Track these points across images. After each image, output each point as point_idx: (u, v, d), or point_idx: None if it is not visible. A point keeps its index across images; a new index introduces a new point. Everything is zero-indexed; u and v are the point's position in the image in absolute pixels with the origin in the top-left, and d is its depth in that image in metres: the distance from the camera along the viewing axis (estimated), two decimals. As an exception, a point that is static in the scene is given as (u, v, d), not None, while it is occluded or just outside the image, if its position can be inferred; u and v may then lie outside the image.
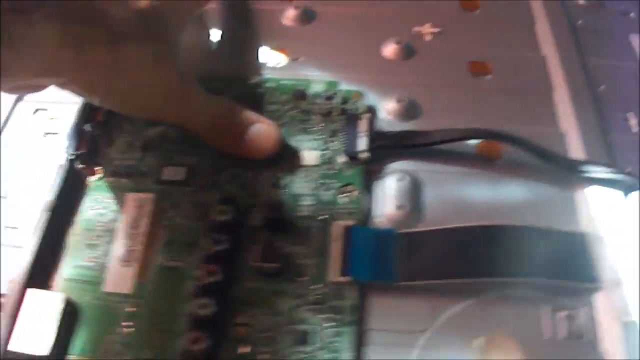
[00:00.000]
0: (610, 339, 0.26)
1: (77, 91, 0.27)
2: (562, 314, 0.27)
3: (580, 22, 0.38)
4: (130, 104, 0.28)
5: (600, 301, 0.27)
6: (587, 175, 0.30)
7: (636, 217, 0.29)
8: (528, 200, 0.30)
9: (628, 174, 0.30)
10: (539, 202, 0.30)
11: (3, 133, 0.33)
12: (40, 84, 0.26)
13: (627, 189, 0.30)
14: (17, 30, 0.22)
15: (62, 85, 0.26)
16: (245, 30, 0.37)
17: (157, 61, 0.27)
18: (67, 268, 0.27)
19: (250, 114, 0.30)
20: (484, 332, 0.26)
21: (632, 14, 0.39)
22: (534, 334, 0.26)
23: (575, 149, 0.32)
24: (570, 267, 0.27)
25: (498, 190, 0.30)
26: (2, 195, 0.30)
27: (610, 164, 0.31)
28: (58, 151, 0.31)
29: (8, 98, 0.34)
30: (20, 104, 0.34)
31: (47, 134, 0.33)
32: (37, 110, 0.34)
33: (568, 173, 0.30)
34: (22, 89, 0.29)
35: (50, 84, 0.26)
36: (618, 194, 0.30)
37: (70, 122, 0.31)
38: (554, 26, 0.37)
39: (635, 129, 0.33)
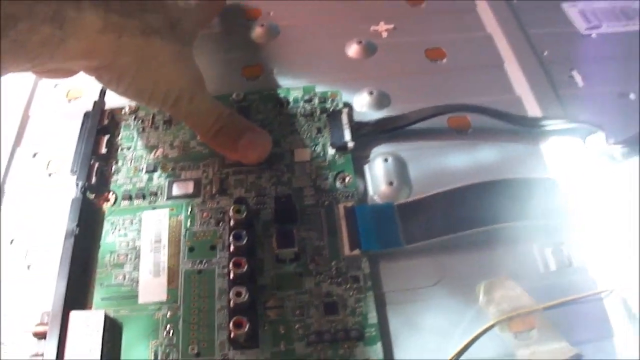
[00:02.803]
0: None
1: (107, 77, 0.29)
2: (549, 249, 0.30)
3: (515, 1, 0.42)
4: (149, 94, 0.30)
5: (576, 232, 0.30)
6: (546, 129, 0.34)
7: (595, 159, 0.33)
8: (500, 159, 0.34)
9: (582, 122, 0.34)
10: (510, 159, 0.34)
11: (7, 180, 0.35)
12: (72, 69, 0.29)
13: (584, 135, 0.34)
14: (68, 14, 0.25)
15: (95, 71, 0.29)
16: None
17: (176, 59, 0.30)
18: (101, 289, 0.30)
19: (246, 122, 0.33)
20: (485, 277, 0.29)
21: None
22: (529, 271, 0.30)
23: (532, 108, 0.36)
24: (545, 208, 0.31)
25: (472, 155, 0.34)
26: (20, 236, 0.32)
27: (564, 116, 0.35)
28: (65, 187, 0.33)
29: (6, 143, 0.36)
30: (18, 149, 0.36)
31: (51, 174, 0.35)
32: (35, 154, 0.36)
33: (530, 130, 0.34)
34: (54, 73, 0.31)
35: (82, 69, 0.29)
36: (576, 140, 0.34)
37: (72, 160, 0.34)
38: (494, 6, 0.41)
39: (581, 84, 0.37)
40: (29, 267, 0.31)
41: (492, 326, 0.28)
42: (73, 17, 0.25)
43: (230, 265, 0.28)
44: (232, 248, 0.29)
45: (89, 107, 0.36)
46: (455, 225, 0.30)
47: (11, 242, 0.32)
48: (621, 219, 0.30)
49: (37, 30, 0.24)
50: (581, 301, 0.28)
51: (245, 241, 0.29)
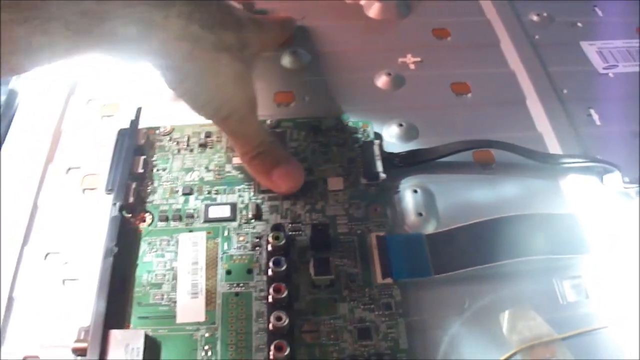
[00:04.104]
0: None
1: (170, 77, 0.31)
2: (567, 282, 0.32)
3: (537, 37, 0.44)
4: (203, 103, 0.32)
5: (593, 266, 0.32)
6: (566, 166, 0.36)
7: (612, 197, 0.34)
8: (522, 193, 0.35)
9: (599, 161, 0.35)
10: (531, 194, 0.35)
11: (40, 195, 0.36)
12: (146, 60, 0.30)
13: (601, 173, 0.36)
14: (155, 18, 0.27)
15: (161, 68, 0.30)
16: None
17: (238, 79, 0.31)
18: (139, 307, 0.31)
19: (285, 153, 0.35)
20: (508, 307, 0.31)
21: (579, 24, 0.46)
22: (549, 302, 0.31)
23: (553, 145, 0.37)
24: (565, 243, 0.32)
25: (496, 189, 0.36)
26: (54, 251, 0.33)
27: (583, 154, 0.36)
28: (100, 204, 0.34)
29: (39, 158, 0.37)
30: (51, 165, 0.37)
31: (84, 190, 0.36)
32: (69, 169, 0.37)
33: (551, 167, 0.36)
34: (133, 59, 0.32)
35: (150, 63, 0.30)
36: (594, 178, 0.35)
37: (106, 177, 0.35)
38: (516, 43, 0.43)
39: (598, 122, 0.39)
40: (64, 282, 0.32)
41: (514, 353, 0.29)
42: (159, 22, 0.27)
43: (271, 290, 0.29)
44: (270, 273, 0.30)
45: (122, 125, 0.37)
46: (481, 257, 0.32)
47: (45, 257, 0.33)
48: (636, 254, 0.32)
49: (125, 28, 0.26)
50: (597, 332, 0.30)
51: (284, 267, 0.30)
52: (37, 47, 0.24)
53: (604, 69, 0.42)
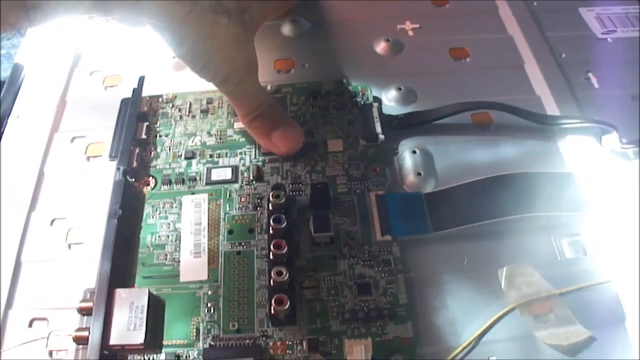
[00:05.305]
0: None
1: (169, 38, 0.31)
2: (565, 239, 0.32)
3: (535, 3, 0.44)
4: (202, 65, 0.32)
5: (591, 224, 0.32)
6: (564, 127, 0.36)
7: (610, 157, 0.35)
8: (520, 154, 0.36)
9: (597, 122, 0.36)
10: (529, 155, 0.36)
11: (46, 163, 0.36)
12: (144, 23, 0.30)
13: (599, 134, 0.36)
14: None
15: (160, 29, 0.30)
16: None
17: (236, 42, 0.32)
18: (143, 268, 0.31)
19: (285, 116, 0.35)
20: (506, 264, 0.31)
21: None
22: (547, 259, 0.31)
23: (551, 108, 0.38)
24: (563, 201, 0.33)
25: (494, 150, 0.36)
26: (60, 217, 0.34)
27: (581, 116, 0.37)
28: (104, 171, 0.35)
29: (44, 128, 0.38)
30: (56, 134, 0.38)
31: (89, 158, 0.37)
32: (73, 138, 0.38)
33: (548, 128, 0.36)
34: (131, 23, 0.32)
35: (149, 25, 0.30)
36: (592, 139, 0.36)
37: (110, 145, 0.36)
38: (515, 9, 0.43)
39: (596, 86, 0.39)
40: (69, 246, 0.33)
41: (512, 309, 0.30)
42: None
43: (271, 246, 0.30)
44: (271, 231, 0.31)
45: (125, 95, 0.38)
46: (478, 214, 0.32)
47: (51, 223, 0.34)
48: (632, 212, 0.32)
49: None
50: (595, 288, 0.30)
51: (284, 224, 0.30)
52: None
53: (602, 34, 0.43)
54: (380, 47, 0.42)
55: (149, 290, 0.30)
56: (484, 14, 0.44)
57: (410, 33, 0.43)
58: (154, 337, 0.29)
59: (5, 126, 0.38)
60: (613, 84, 0.39)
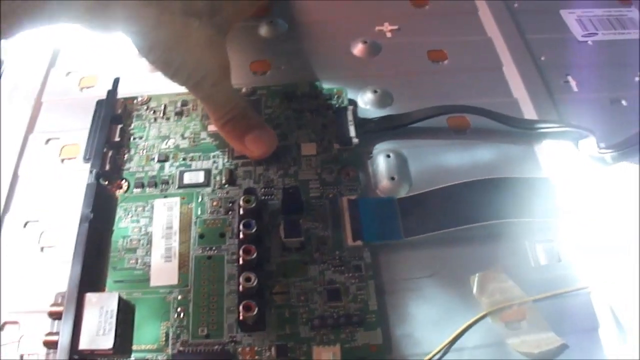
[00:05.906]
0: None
1: (141, 43, 0.31)
2: (540, 245, 0.32)
3: (516, 5, 0.44)
4: (175, 69, 0.32)
5: (566, 230, 0.32)
6: (541, 131, 0.36)
7: (587, 162, 0.35)
8: (496, 159, 0.36)
9: (574, 126, 0.36)
10: (506, 159, 0.36)
11: (20, 165, 0.36)
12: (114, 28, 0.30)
13: (576, 139, 0.36)
14: None
15: (132, 34, 0.30)
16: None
17: (209, 44, 0.31)
18: (114, 272, 0.31)
19: (258, 119, 0.35)
20: (479, 270, 0.31)
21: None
22: (521, 265, 0.31)
23: (528, 111, 0.37)
24: (537, 206, 0.32)
25: (470, 154, 0.36)
26: (33, 219, 0.33)
27: (559, 120, 0.36)
28: (78, 173, 0.34)
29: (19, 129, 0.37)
30: (31, 136, 0.37)
31: (64, 160, 0.36)
32: (48, 140, 0.37)
33: (526, 132, 0.36)
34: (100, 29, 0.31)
35: (121, 31, 0.30)
36: (569, 143, 0.35)
37: (84, 147, 0.35)
38: (495, 11, 0.43)
39: (575, 89, 0.39)
40: (42, 249, 0.33)
41: (484, 316, 0.29)
42: None
43: (240, 252, 0.29)
44: (241, 236, 0.30)
45: (101, 96, 0.38)
46: (452, 220, 0.32)
47: (25, 225, 0.33)
48: (609, 219, 0.32)
49: None
50: (568, 295, 0.30)
51: (254, 230, 0.30)
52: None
53: (582, 36, 0.42)
54: (358, 48, 0.41)
55: (118, 295, 0.29)
56: (463, 15, 0.44)
57: (389, 35, 0.43)
58: (124, 341, 0.28)
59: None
60: (592, 87, 0.39)
